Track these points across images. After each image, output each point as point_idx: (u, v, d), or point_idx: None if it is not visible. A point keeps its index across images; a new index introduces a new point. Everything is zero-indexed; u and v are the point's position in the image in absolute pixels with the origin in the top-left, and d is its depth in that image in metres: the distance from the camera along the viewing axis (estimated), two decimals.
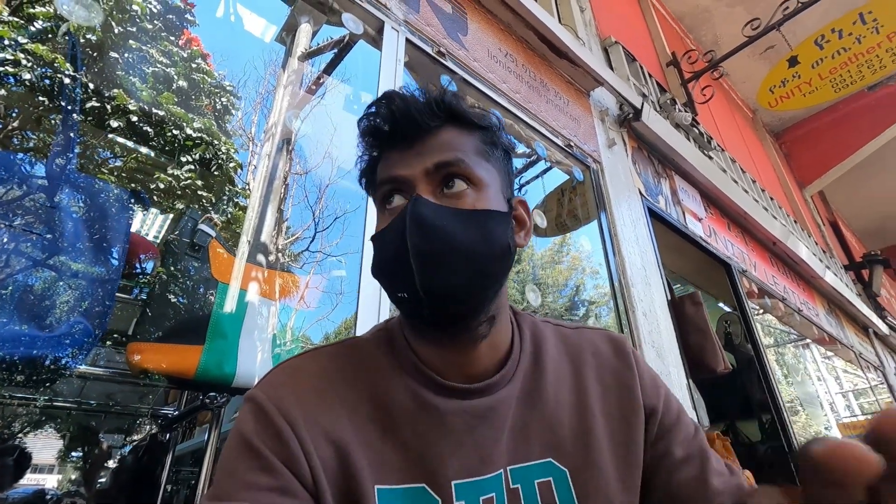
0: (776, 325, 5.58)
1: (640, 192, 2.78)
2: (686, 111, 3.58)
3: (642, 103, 2.87)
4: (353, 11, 1.78)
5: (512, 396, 0.56)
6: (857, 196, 8.07)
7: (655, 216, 2.84)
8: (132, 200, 1.12)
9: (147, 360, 0.98)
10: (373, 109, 0.55)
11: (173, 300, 1.07)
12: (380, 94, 0.56)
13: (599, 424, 0.57)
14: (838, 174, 6.79)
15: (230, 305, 1.10)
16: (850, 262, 6.98)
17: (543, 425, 0.55)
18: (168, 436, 1.61)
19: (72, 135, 1.08)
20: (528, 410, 0.56)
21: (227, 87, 7.33)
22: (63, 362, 0.92)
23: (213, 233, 1.19)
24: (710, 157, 3.76)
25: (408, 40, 1.86)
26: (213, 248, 1.19)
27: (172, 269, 1.08)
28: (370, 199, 1.57)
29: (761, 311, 4.20)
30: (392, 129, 0.54)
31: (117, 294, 1.09)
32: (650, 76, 3.76)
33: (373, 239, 0.54)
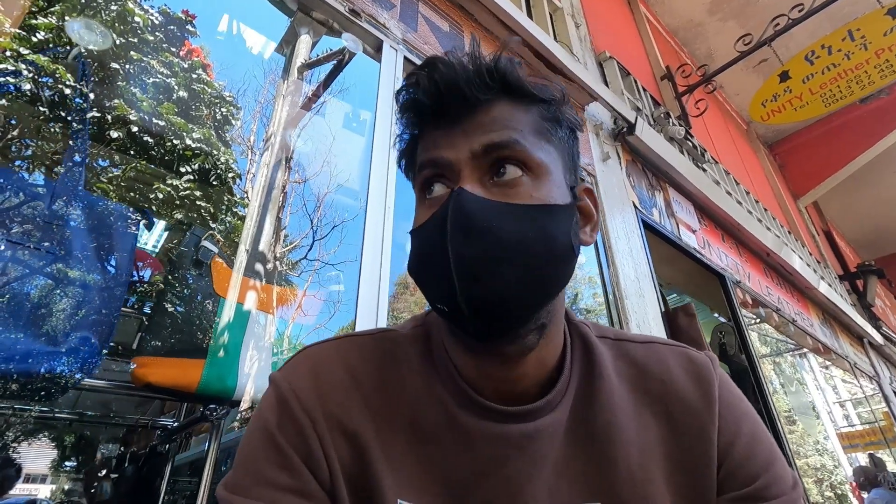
0: (774, 335, 5.61)
1: (635, 205, 2.82)
2: (680, 124, 3.65)
3: (636, 117, 2.92)
4: (352, 30, 1.83)
5: (557, 426, 0.47)
6: (852, 206, 8.14)
7: (649, 228, 2.88)
8: (137, 217, 1.16)
9: (151, 374, 1.00)
10: (413, 80, 0.47)
11: (177, 314, 1.10)
12: (424, 60, 0.47)
13: (661, 472, 0.47)
14: (832, 185, 6.86)
15: (231, 320, 1.13)
16: (844, 273, 7.03)
17: (592, 464, 0.47)
18: (168, 447, 1.64)
19: (81, 157, 1.11)
20: (575, 445, 0.47)
21: (227, 98, 7.41)
22: (72, 376, 0.95)
23: (215, 249, 1.22)
24: (704, 170, 3.82)
25: (406, 58, 1.91)
26: (216, 264, 1.22)
27: (176, 284, 1.11)
28: (369, 206, 1.60)
29: (757, 320, 4.23)
30: (435, 103, 0.46)
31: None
32: (644, 90, 3.82)
33: (411, 234, 0.47)
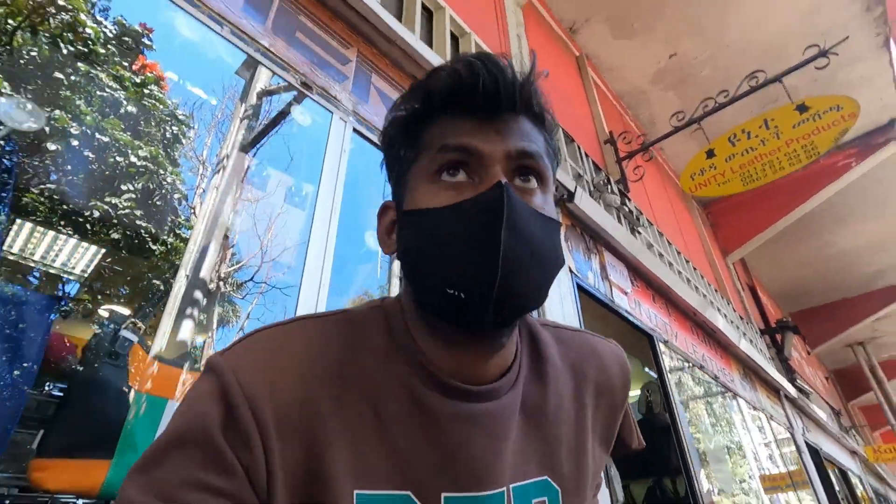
0: (707, 377, 5.93)
1: (571, 270, 2.97)
2: (619, 189, 3.89)
3: (576, 186, 3.11)
4: (302, 102, 1.87)
5: (514, 405, 0.51)
6: (775, 263, 8.90)
7: (584, 291, 3.03)
8: (51, 307, 1.10)
9: (47, 479, 0.94)
10: (468, 67, 0.47)
11: (84, 411, 1.04)
12: (469, 53, 0.49)
13: (590, 444, 0.55)
14: (759, 243, 7.47)
15: (145, 414, 1.09)
16: (766, 327, 7.59)
17: (542, 440, 0.52)
18: None
19: None
20: (530, 423, 0.52)
21: (180, 116, 7.18)
22: None
23: (135, 338, 1.17)
24: (639, 233, 4.07)
25: (355, 129, 1.97)
26: (135, 353, 1.17)
27: (87, 377, 1.06)
28: (318, 195, 1.60)
29: (690, 365, 4.48)
30: (484, 95, 0.46)
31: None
32: (587, 156, 4.07)
33: (421, 213, 0.46)
